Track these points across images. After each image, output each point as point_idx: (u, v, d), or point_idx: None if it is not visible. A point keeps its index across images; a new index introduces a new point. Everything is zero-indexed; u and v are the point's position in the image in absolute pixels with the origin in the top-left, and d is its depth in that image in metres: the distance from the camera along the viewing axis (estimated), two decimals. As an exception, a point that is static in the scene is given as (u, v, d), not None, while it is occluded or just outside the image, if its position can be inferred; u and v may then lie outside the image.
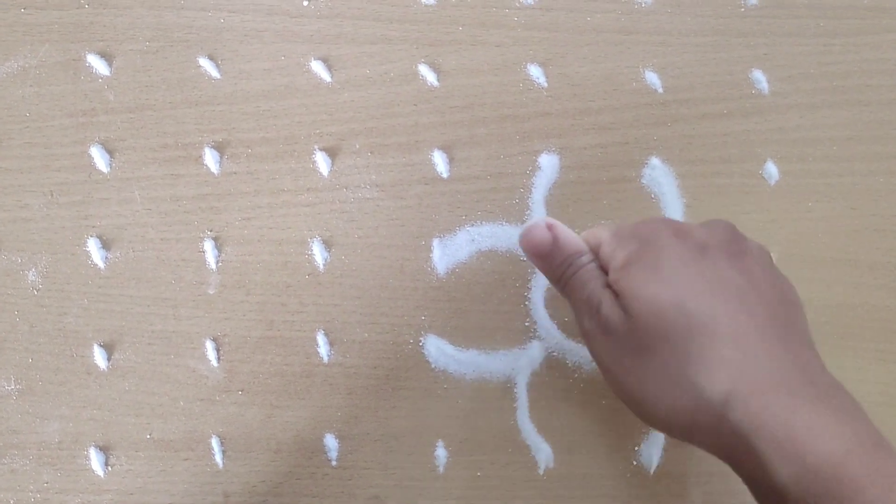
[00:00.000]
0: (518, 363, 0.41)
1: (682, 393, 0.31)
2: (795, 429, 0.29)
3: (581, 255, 0.36)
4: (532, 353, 0.42)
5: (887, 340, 0.43)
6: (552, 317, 0.42)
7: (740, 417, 0.30)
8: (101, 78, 0.42)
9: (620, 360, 0.33)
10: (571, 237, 0.36)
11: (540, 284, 0.42)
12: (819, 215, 0.43)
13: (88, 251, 0.41)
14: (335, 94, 0.42)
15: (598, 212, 0.42)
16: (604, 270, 0.35)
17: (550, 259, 0.36)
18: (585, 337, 0.35)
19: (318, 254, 0.41)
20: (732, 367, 0.31)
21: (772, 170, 0.43)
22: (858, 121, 0.44)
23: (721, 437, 0.31)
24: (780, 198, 0.43)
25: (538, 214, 0.42)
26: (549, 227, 0.36)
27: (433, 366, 0.41)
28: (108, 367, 0.40)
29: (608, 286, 0.34)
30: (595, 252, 0.36)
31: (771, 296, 0.33)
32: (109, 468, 0.40)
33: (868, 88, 0.44)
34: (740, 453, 0.31)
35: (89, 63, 0.41)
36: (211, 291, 0.41)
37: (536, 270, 0.42)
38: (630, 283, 0.33)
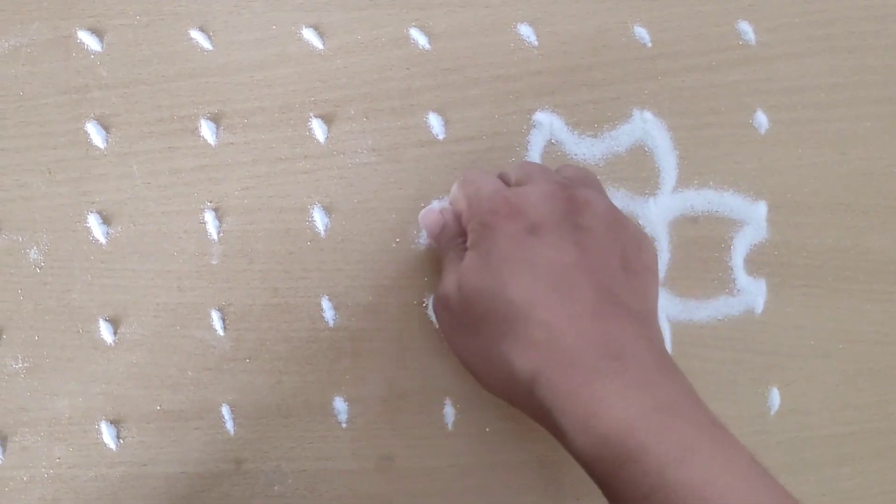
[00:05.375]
0: (521, 319, 0.42)
1: (500, 369, 0.34)
2: (589, 402, 0.31)
3: (458, 237, 0.38)
4: (534, 309, 0.42)
5: (880, 281, 0.44)
6: (553, 272, 0.42)
7: (544, 394, 0.33)
8: (94, 54, 0.41)
9: (454, 334, 0.37)
10: (456, 223, 0.39)
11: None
12: (809, 161, 0.44)
13: (89, 227, 0.41)
14: (328, 61, 0.42)
15: (593, 169, 0.43)
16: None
17: (439, 240, 0.40)
18: (433, 306, 0.40)
19: (319, 220, 0.42)
20: (541, 349, 0.33)
21: (761, 119, 0.44)
22: (844, 67, 0.45)
23: (533, 409, 0.34)
24: (771, 146, 0.44)
25: (534, 172, 0.43)
26: (441, 212, 0.40)
27: (437, 325, 0.42)
28: (114, 342, 0.41)
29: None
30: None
31: (604, 265, 0.35)
32: (121, 441, 0.40)
33: (852, 35, 0.45)
34: (548, 424, 0.34)
35: (80, 39, 0.41)
36: (214, 262, 0.41)
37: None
38: (464, 268, 0.36)
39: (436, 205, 0.40)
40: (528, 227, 0.35)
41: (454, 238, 0.39)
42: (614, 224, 0.36)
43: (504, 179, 0.39)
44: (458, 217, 0.39)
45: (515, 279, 0.34)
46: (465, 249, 0.37)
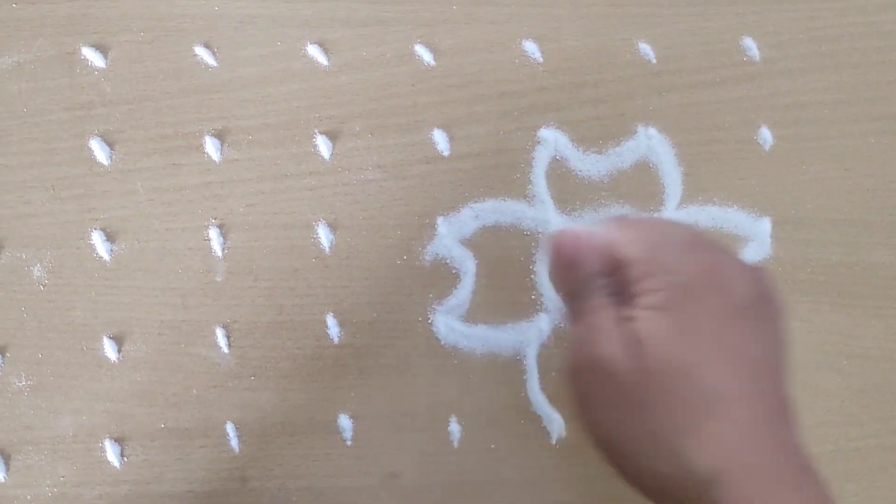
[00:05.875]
0: (526, 336, 0.42)
1: (669, 460, 0.31)
2: None
3: (603, 277, 0.33)
4: (540, 326, 0.42)
5: (884, 297, 0.44)
6: (558, 289, 0.42)
7: (722, 496, 0.29)
8: (97, 70, 0.41)
9: (613, 408, 0.32)
10: (597, 261, 0.33)
11: (544, 258, 0.42)
12: (814, 177, 0.44)
13: (93, 244, 0.41)
14: (333, 77, 0.42)
15: (597, 185, 0.43)
16: (622, 288, 0.32)
17: (572, 271, 0.34)
18: (575, 367, 0.33)
19: (324, 237, 0.42)
20: (726, 446, 0.30)
21: (766, 135, 0.44)
22: (848, 83, 0.45)
23: None
24: (776, 162, 0.44)
25: (540, 189, 0.43)
26: (585, 237, 0.33)
27: (443, 342, 0.42)
28: (118, 359, 0.40)
29: (623, 320, 0.31)
30: (613, 266, 0.32)
31: (779, 366, 0.32)
32: (125, 459, 0.40)
33: (856, 51, 0.45)
34: None
35: (84, 56, 0.41)
36: (218, 279, 0.41)
37: (541, 245, 0.42)
38: (652, 334, 0.31)
39: (572, 227, 0.34)
40: (735, 308, 0.31)
41: (590, 278, 0.33)
42: (785, 320, 0.34)
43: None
44: (605, 256, 0.33)
45: (718, 366, 0.30)
46: (611, 299, 0.32)
